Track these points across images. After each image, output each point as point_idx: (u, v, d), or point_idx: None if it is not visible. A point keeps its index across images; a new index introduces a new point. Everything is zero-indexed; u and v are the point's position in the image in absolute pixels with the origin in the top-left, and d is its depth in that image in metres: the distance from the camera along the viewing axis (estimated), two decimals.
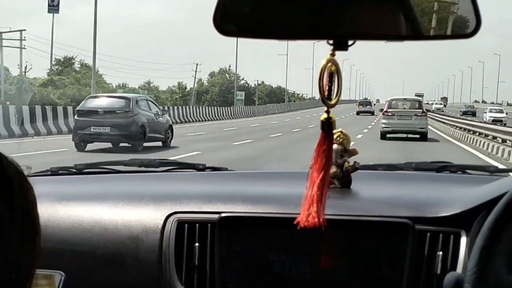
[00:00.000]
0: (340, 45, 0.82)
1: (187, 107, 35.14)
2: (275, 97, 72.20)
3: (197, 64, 62.75)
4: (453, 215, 1.13)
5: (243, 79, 75.73)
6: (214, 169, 1.68)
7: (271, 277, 1.14)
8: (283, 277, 1.13)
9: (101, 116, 13.80)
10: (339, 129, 1.24)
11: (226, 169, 1.68)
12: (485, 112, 39.49)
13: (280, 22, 0.86)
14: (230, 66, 76.31)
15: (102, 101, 14.80)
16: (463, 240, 1.10)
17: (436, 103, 75.93)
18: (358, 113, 51.47)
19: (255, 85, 73.07)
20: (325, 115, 0.90)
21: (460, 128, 24.99)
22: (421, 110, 21.42)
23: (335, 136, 1.15)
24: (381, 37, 0.86)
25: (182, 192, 1.34)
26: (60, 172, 1.70)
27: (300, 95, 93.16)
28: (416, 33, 0.85)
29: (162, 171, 1.68)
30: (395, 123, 20.55)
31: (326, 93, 0.86)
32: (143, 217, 1.23)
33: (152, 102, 16.35)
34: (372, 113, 51.67)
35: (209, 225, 1.18)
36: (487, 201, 1.02)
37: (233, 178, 1.60)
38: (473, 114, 53.81)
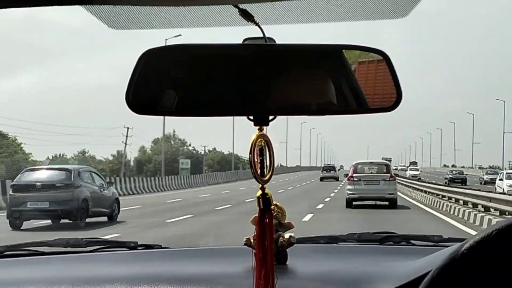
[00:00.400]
0: (261, 120, 0.82)
1: (126, 178, 33.04)
2: (227, 164, 68.86)
3: (128, 128, 53.14)
4: None
5: (190, 145, 73.48)
6: (147, 246, 1.62)
7: None
8: None
9: (39, 190, 12.89)
10: (275, 202, 1.21)
11: (160, 246, 1.63)
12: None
13: (198, 100, 0.86)
14: (174, 132, 72.86)
15: (40, 174, 13.87)
16: None
17: (411, 169, 68.06)
18: (321, 179, 50.83)
19: (204, 151, 70.20)
20: (260, 192, 0.89)
21: (438, 195, 22.62)
22: (389, 175, 19.92)
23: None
24: (303, 112, 0.88)
25: (108, 275, 1.28)
26: None
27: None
28: (342, 107, 0.87)
29: (90, 251, 1.61)
30: (362, 189, 19.07)
31: (258, 170, 0.85)
32: None
33: (96, 173, 15.50)
34: (336, 178, 51.00)
35: None
36: (421, 275, 0.99)
37: (166, 256, 1.54)
38: (463, 182, 43.94)
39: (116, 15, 0.78)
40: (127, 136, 52.07)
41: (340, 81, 0.87)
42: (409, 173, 61.58)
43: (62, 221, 13.00)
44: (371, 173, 19.78)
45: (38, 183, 13.10)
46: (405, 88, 0.84)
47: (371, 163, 21.15)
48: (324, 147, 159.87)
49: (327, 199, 23.45)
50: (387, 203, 18.90)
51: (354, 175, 19.63)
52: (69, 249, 1.63)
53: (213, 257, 1.44)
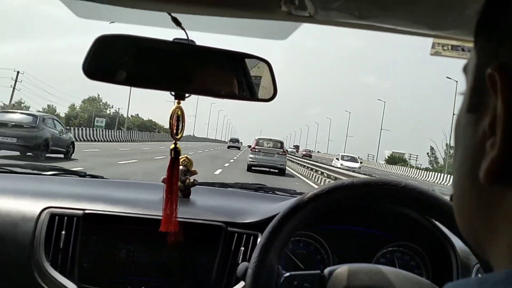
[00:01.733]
0: (179, 96, 0.95)
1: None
2: (145, 129, 66.80)
3: (18, 72, 40.60)
4: (254, 222, 1.23)
5: (112, 108, 72.23)
6: (93, 176, 1.70)
7: (118, 260, 1.20)
8: (127, 260, 1.20)
9: (10, 128, 13.24)
10: (185, 155, 1.35)
11: (102, 177, 1.71)
12: (337, 159, 34.47)
13: (136, 74, 0.97)
14: (99, 95, 72.43)
15: (12, 116, 14.24)
16: (258, 239, 1.17)
17: (289, 147, 75.33)
18: (228, 147, 57.30)
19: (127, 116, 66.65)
20: (173, 146, 1.03)
21: (309, 168, 25.00)
22: (282, 150, 20.63)
23: (181, 160, 1.29)
24: (209, 94, 1.00)
25: (59, 191, 1.35)
26: None
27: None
28: (235, 94, 1.00)
29: (50, 175, 1.67)
30: (260, 158, 19.41)
31: (174, 131, 0.98)
32: (23, 208, 1.24)
33: (58, 121, 15.87)
34: (238, 148, 59.00)
35: (75, 218, 1.21)
36: (276, 213, 1.07)
37: (104, 184, 1.62)
38: (309, 156, 51.46)
39: (83, 7, 0.85)
40: (16, 80, 39.93)
41: (237, 77, 1.00)
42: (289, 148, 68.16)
43: (28, 153, 13.36)
44: (269, 147, 20.18)
45: (9, 123, 13.46)
46: (283, 88, 1.00)
47: (270, 139, 21.34)
48: (228, 125, 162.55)
49: (232, 160, 25.62)
50: (277, 171, 19.65)
51: (256, 147, 19.99)
52: (35, 171, 1.71)
53: (139, 188, 1.56)
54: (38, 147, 13.26)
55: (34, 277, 1.15)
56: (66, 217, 1.21)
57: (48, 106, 64.92)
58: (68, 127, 18.01)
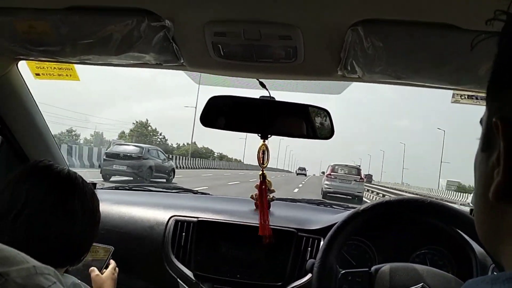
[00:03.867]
0: (264, 136, 1.20)
1: None
2: (198, 156, 58.87)
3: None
4: (318, 229, 1.38)
5: (161, 135, 65.11)
6: (202, 193, 1.93)
7: (220, 254, 1.38)
8: (227, 255, 1.38)
9: (121, 158, 14.35)
10: (267, 178, 1.56)
11: (209, 194, 1.93)
12: None
13: (234, 122, 1.21)
14: (147, 121, 65.30)
15: (123, 148, 15.54)
16: (321, 242, 1.33)
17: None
18: (297, 174, 59.23)
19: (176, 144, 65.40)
20: (261, 172, 1.30)
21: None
22: (359, 176, 17.86)
23: None
24: (285, 135, 1.21)
25: (181, 204, 1.56)
26: (118, 187, 1.97)
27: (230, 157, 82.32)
28: (304, 134, 1.21)
29: (173, 192, 1.92)
30: (337, 185, 17.00)
31: (261, 161, 1.25)
32: (157, 216, 1.48)
33: (162, 152, 16.85)
34: (305, 174, 60.36)
35: (192, 224, 1.42)
36: (333, 223, 1.21)
37: (211, 199, 1.82)
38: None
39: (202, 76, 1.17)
40: None
41: (305, 121, 1.20)
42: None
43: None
44: (345, 173, 17.80)
45: (121, 153, 14.59)
46: (338, 128, 1.20)
47: (346, 165, 18.89)
48: (292, 157, 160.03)
49: (303, 182, 26.77)
50: (355, 198, 16.80)
51: (331, 173, 17.67)
52: (163, 190, 1.97)
53: (234, 202, 1.74)
54: (143, 173, 14.14)
55: (164, 266, 1.38)
56: (185, 223, 1.42)
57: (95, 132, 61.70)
58: (170, 156, 19.10)
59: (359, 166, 19.16)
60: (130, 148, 15.40)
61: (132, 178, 14.02)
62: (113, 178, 13.94)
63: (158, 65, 1.06)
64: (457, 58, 0.87)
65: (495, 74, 0.38)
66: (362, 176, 18.60)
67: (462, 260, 1.26)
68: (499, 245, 0.37)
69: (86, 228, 0.88)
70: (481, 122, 0.40)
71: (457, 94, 1.12)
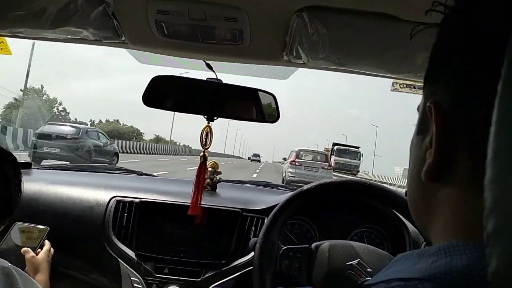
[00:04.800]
0: (210, 118, 1.22)
1: None
2: (119, 136, 53.10)
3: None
4: (262, 209, 1.45)
5: (61, 104, 58.83)
6: (147, 174, 1.94)
7: (164, 234, 1.40)
8: (170, 235, 1.40)
9: (54, 139, 13.13)
10: (213, 160, 1.58)
11: (153, 175, 1.95)
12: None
13: (179, 103, 1.22)
14: (42, 87, 56.52)
15: (57, 128, 14.04)
16: (265, 222, 1.35)
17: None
18: (251, 160, 59.54)
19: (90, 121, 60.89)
20: (202, 153, 1.32)
21: None
22: (327, 163, 16.26)
23: (210, 163, 1.55)
24: (232, 117, 1.25)
25: (123, 185, 1.57)
26: (56, 167, 1.96)
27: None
28: (250, 117, 1.24)
29: (115, 173, 1.93)
30: (302, 174, 15.13)
31: (203, 142, 1.27)
32: (97, 196, 1.48)
33: (103, 134, 15.52)
34: (259, 161, 61.06)
35: (134, 204, 1.44)
36: (277, 203, 1.28)
37: (155, 180, 1.84)
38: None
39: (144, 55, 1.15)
40: None
41: (252, 105, 1.24)
42: None
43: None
44: (311, 160, 16.17)
45: (53, 134, 13.28)
46: (284, 113, 1.25)
47: (313, 151, 17.17)
48: (243, 142, 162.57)
49: (260, 168, 27.52)
50: None
51: (296, 160, 15.80)
52: (107, 171, 1.99)
53: (180, 183, 1.76)
54: (79, 158, 12.92)
55: (105, 246, 1.38)
56: (127, 204, 1.43)
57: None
58: (112, 139, 17.35)
59: (325, 152, 17.52)
60: (64, 129, 14.02)
61: (68, 162, 12.68)
62: (45, 162, 12.79)
63: (97, 41, 1.03)
64: (396, 47, 0.93)
65: (431, 62, 0.41)
66: (331, 163, 17.17)
67: (397, 238, 1.38)
68: (428, 223, 0.40)
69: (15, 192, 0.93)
70: (418, 109, 0.43)
71: (396, 83, 1.22)
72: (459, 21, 0.37)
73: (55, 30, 0.95)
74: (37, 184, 1.54)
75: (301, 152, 16.41)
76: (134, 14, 0.94)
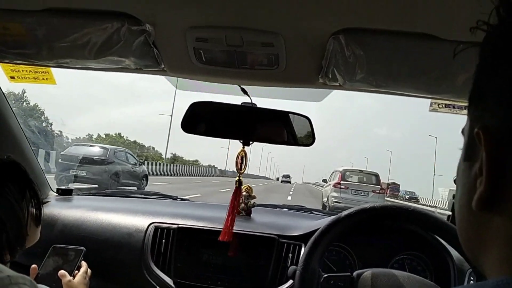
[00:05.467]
0: (246, 143, 1.24)
1: None
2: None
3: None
4: (299, 235, 1.43)
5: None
6: (182, 199, 1.97)
7: (201, 261, 1.41)
8: (207, 262, 1.41)
9: (81, 161, 12.69)
10: (247, 185, 1.59)
11: (188, 200, 1.97)
12: None
13: (216, 128, 1.25)
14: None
15: (84, 149, 13.62)
16: (303, 248, 1.39)
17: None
18: (282, 181, 59.00)
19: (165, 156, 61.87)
20: (237, 178, 1.34)
21: None
22: (379, 187, 13.74)
23: (244, 188, 1.57)
24: (266, 141, 1.25)
25: (161, 210, 1.59)
26: (96, 193, 2.01)
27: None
28: (285, 141, 1.25)
29: (152, 198, 1.95)
30: (349, 199, 12.67)
31: (239, 166, 1.29)
32: (136, 222, 1.52)
33: (131, 155, 14.79)
34: (289, 182, 60.61)
35: (171, 230, 1.46)
36: (315, 229, 1.26)
37: (191, 205, 1.85)
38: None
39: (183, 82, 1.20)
40: None
41: (286, 128, 1.25)
42: None
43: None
44: (360, 182, 13.80)
45: (80, 156, 12.89)
46: (319, 136, 1.25)
47: (361, 171, 14.60)
48: (273, 164, 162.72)
49: (292, 189, 27.25)
50: None
51: (341, 182, 13.41)
52: (142, 195, 2.00)
53: (216, 208, 1.76)
54: (108, 180, 12.47)
55: (143, 273, 1.40)
56: (165, 230, 1.45)
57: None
58: (141, 161, 16.50)
59: (375, 172, 14.47)
60: (91, 150, 13.51)
61: (97, 186, 12.35)
62: (71, 186, 12.00)
63: (138, 70, 1.08)
64: (436, 67, 0.93)
65: (476, 84, 0.40)
66: (383, 186, 14.58)
67: (440, 265, 1.34)
68: (481, 254, 0.38)
69: (20, 215, 0.91)
70: (462, 132, 0.42)
71: (435, 103, 1.20)
72: (504, 38, 0.36)
73: (99, 60, 1.00)
74: (78, 211, 1.59)
75: (347, 173, 14.04)
76: (173, 43, 0.98)
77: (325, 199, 14.54)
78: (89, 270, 1.28)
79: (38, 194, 0.97)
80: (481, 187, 0.36)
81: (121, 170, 13.23)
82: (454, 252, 1.31)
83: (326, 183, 16.16)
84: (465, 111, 0.42)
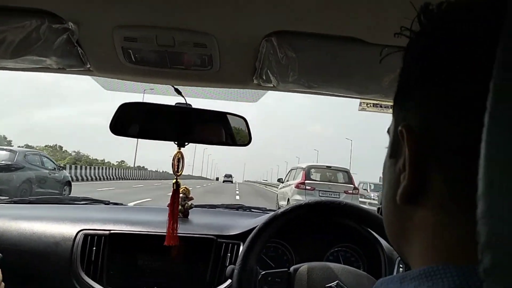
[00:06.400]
0: (180, 144, 1.24)
1: None
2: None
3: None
4: (237, 234, 1.48)
5: None
6: (115, 203, 1.93)
7: (136, 267, 1.40)
8: (143, 267, 1.40)
9: None
10: (184, 186, 1.58)
11: (122, 204, 1.94)
12: None
13: (148, 130, 1.23)
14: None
15: None
16: (241, 247, 1.40)
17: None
18: (224, 181, 59.64)
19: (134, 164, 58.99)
20: (174, 180, 1.33)
21: None
22: (352, 186, 11.66)
23: (181, 189, 1.56)
24: (203, 142, 1.25)
25: (90, 217, 1.55)
26: (18, 201, 1.91)
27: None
28: (221, 141, 1.27)
29: (81, 204, 1.90)
30: None
31: (175, 168, 1.29)
32: (63, 230, 1.47)
33: (48, 158, 12.96)
34: (231, 182, 61.68)
35: (103, 237, 1.44)
36: (252, 227, 1.29)
37: (124, 210, 1.83)
38: None
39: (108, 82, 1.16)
40: None
41: (222, 129, 1.27)
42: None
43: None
44: (330, 181, 11.70)
45: None
46: (255, 135, 1.28)
47: (328, 167, 12.05)
48: (210, 161, 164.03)
49: (237, 190, 26.53)
50: None
51: (306, 181, 11.16)
52: (70, 201, 1.93)
53: (151, 212, 1.77)
54: (15, 190, 10.41)
55: (73, 283, 1.36)
56: (96, 237, 1.43)
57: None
58: (62, 165, 14.85)
59: (346, 168, 12.44)
60: None
61: (7, 197, 9.75)
62: None
63: (61, 70, 1.04)
64: (364, 70, 1.00)
65: (400, 86, 0.42)
66: (356, 185, 12.23)
67: (371, 255, 1.44)
68: (405, 246, 0.41)
69: None
70: (388, 131, 0.45)
71: (364, 102, 1.29)
72: (425, 45, 0.39)
73: (17, 60, 0.95)
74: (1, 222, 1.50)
75: (312, 170, 11.73)
76: (99, 42, 0.95)
77: (282, 203, 12.46)
78: (2, 284, 1.22)
79: None
80: (404, 182, 0.38)
81: (34, 177, 11.31)
82: (384, 243, 1.41)
83: (282, 182, 13.84)
84: (391, 110, 0.45)
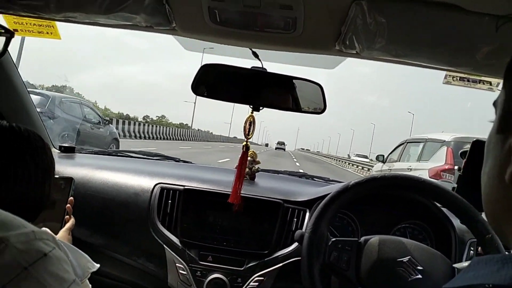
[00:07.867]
0: (256, 108, 1.27)
1: None
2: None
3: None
4: (304, 201, 1.53)
5: None
6: (185, 161, 2.05)
7: (207, 222, 1.50)
8: (213, 223, 1.50)
9: None
10: (252, 150, 1.63)
11: (191, 162, 2.05)
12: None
13: (226, 92, 1.28)
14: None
15: None
16: (307, 214, 1.50)
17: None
18: (276, 148, 62.78)
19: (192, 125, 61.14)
20: (245, 143, 1.39)
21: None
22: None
23: (249, 153, 1.62)
24: (277, 107, 1.28)
25: (165, 172, 1.67)
26: (98, 152, 2.09)
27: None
28: (296, 108, 1.29)
29: (156, 159, 2.03)
30: None
31: (246, 131, 1.33)
32: (142, 183, 1.60)
33: (92, 109, 11.54)
34: (284, 149, 64.21)
35: (177, 192, 1.54)
36: (320, 196, 1.40)
37: (194, 167, 1.94)
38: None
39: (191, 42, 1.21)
40: None
41: (299, 95, 1.28)
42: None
43: None
44: None
45: None
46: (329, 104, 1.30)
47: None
48: (262, 129, 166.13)
49: (294, 158, 27.14)
50: None
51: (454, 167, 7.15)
52: (145, 156, 2.07)
53: (220, 171, 1.87)
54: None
55: (150, 232, 1.49)
56: (171, 191, 1.54)
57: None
58: (107, 119, 12.86)
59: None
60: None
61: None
62: None
63: (148, 28, 1.08)
64: (457, 39, 0.96)
65: None
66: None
67: (441, 235, 1.45)
68: (507, 225, 0.41)
69: (40, 186, 0.91)
70: (494, 104, 0.43)
71: (449, 75, 1.25)
72: None
73: (109, 16, 1.00)
74: (83, 169, 1.67)
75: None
76: (187, 1, 0.98)
77: None
78: (72, 219, 1.28)
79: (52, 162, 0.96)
80: None
81: (71, 130, 9.72)
82: (456, 222, 1.40)
83: (383, 162, 10.19)
84: (479, 85, 0.45)
